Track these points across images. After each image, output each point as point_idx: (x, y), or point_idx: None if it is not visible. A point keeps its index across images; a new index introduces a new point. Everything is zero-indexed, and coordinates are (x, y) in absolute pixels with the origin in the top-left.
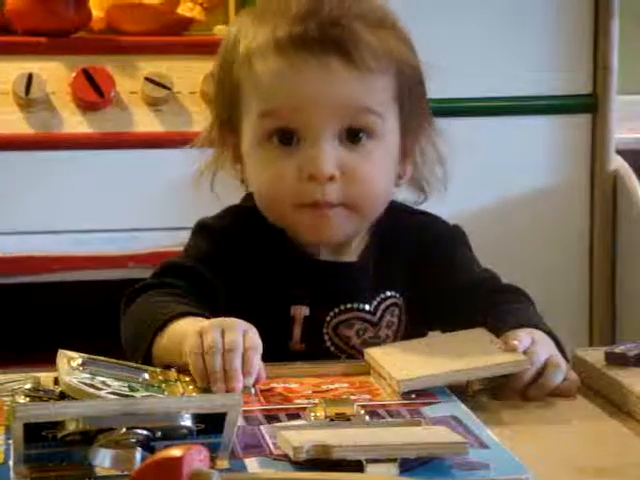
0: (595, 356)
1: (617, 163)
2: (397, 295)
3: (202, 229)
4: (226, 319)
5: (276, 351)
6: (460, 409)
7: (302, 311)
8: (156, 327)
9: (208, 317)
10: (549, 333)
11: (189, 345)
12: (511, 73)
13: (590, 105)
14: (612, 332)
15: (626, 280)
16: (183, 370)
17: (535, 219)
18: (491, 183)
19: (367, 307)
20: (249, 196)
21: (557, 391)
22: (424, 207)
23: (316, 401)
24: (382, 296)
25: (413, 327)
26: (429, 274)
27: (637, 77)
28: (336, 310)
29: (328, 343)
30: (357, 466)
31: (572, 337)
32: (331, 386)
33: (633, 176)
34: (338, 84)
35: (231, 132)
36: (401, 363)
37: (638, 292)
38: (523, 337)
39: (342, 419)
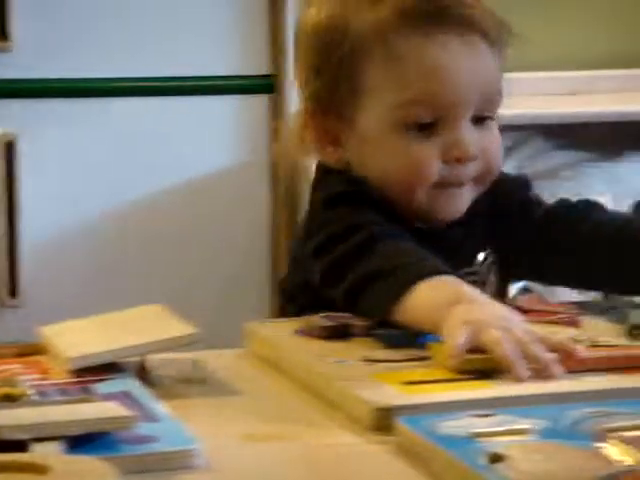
0: (274, 329)
1: None
2: (491, 252)
3: (343, 199)
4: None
5: None
6: (132, 384)
7: None
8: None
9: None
10: None
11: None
12: (190, 53)
13: (268, 86)
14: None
15: None
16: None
17: (220, 199)
18: (172, 165)
19: (475, 269)
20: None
21: None
22: None
23: None
24: (482, 255)
25: (502, 283)
26: (511, 226)
27: None
28: (461, 272)
29: None
30: (25, 446)
31: (256, 312)
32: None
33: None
34: (483, 66)
35: (330, 116)
36: (73, 340)
37: None
38: None
39: (9, 400)
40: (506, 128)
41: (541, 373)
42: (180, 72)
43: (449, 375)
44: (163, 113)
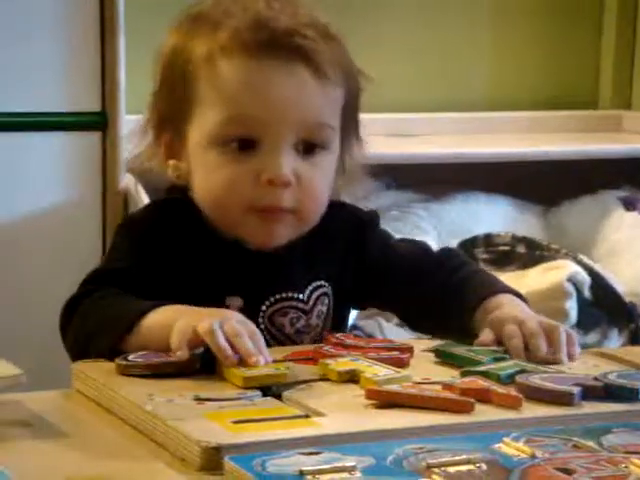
0: (101, 368)
1: (127, 181)
2: (326, 285)
3: (127, 227)
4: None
5: None
6: None
7: (236, 302)
8: (130, 321)
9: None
10: (516, 294)
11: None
12: (19, 89)
13: (100, 123)
14: None
15: None
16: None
17: (49, 237)
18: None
19: (300, 296)
20: (174, 189)
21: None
22: None
23: None
24: (314, 285)
25: (342, 313)
26: (360, 259)
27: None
28: (272, 299)
29: (265, 333)
30: None
31: None
32: None
33: (143, 194)
34: (306, 94)
35: (169, 130)
36: None
37: None
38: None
39: None
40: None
41: (245, 361)
42: (8, 108)
43: (277, 414)
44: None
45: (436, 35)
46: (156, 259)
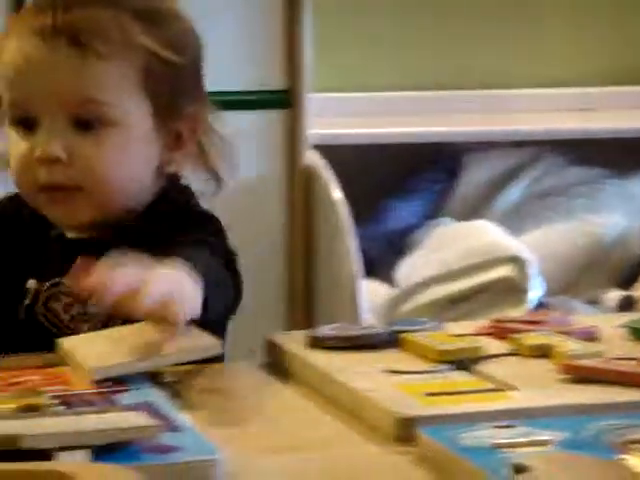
0: (294, 341)
1: (312, 158)
2: None
3: None
4: None
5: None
6: (153, 395)
7: (31, 285)
8: None
9: None
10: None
11: None
12: (208, 69)
13: (285, 101)
14: (310, 322)
15: (322, 272)
16: None
17: (235, 214)
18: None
19: None
20: None
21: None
22: None
23: (5, 394)
24: None
25: None
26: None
27: (331, 74)
28: (47, 284)
29: (42, 318)
30: (49, 455)
31: (274, 329)
32: (20, 379)
33: (327, 171)
34: (63, 73)
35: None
36: (94, 352)
37: (333, 283)
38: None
39: (31, 410)
40: (520, 144)
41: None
42: None
43: (470, 387)
44: None
45: None
46: None
